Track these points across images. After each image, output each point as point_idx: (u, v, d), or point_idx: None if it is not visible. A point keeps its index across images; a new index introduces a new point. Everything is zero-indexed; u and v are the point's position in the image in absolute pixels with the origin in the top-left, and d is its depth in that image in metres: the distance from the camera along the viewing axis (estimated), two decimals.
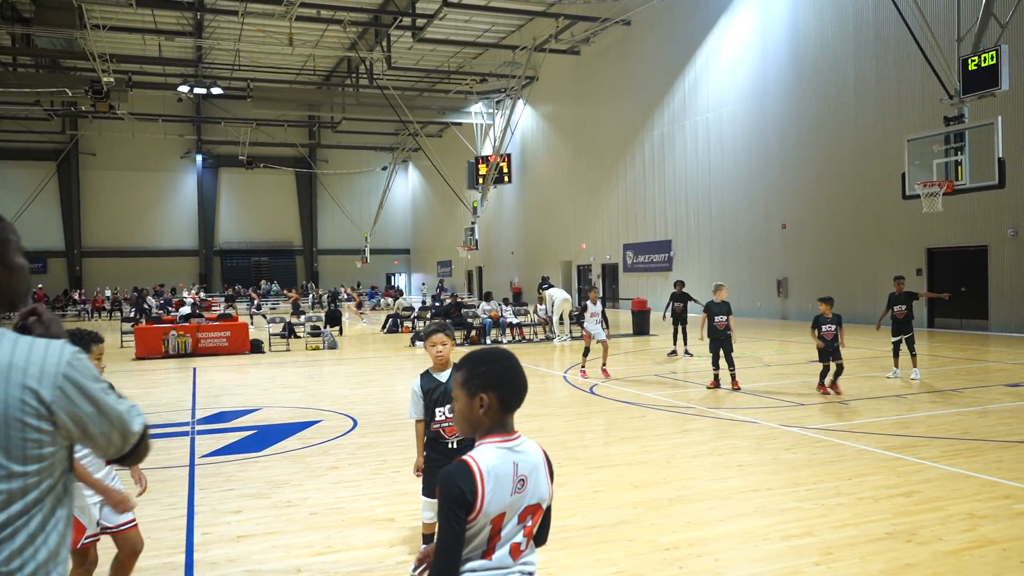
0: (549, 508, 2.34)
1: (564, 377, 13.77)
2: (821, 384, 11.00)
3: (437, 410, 4.60)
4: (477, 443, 2.24)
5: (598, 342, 13.53)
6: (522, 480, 2.19)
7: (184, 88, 40.32)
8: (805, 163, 24.54)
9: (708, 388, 11.77)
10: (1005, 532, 5.18)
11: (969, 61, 14.07)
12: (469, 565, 2.17)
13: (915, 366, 12.12)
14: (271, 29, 33.55)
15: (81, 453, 3.69)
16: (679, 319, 16.74)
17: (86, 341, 3.93)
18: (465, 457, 2.17)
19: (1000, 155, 13.76)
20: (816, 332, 10.89)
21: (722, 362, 11.68)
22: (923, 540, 5.08)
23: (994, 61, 13.62)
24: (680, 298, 16.93)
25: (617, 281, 35.26)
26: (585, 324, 13.66)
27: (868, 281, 22.46)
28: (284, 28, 31.32)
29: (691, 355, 16.21)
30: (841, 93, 23.13)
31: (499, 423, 2.23)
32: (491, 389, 2.21)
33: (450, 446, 4.58)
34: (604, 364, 13.62)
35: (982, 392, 10.94)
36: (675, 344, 16.82)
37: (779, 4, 25.30)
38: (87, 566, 4.08)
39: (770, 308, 26.09)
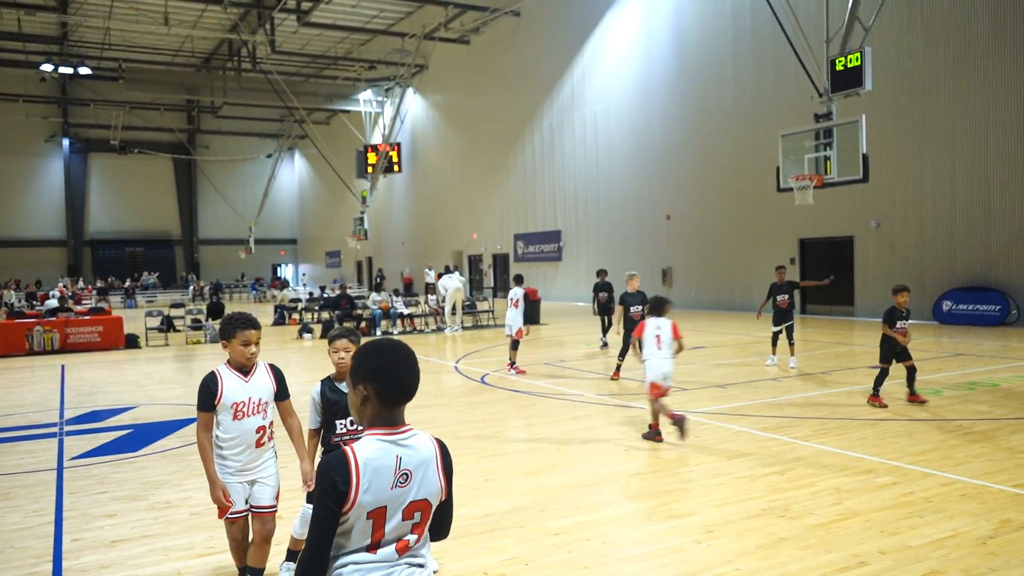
0: (450, 502, 2.31)
1: (455, 367, 13.77)
2: (875, 394, 9.10)
3: (338, 422, 4.28)
4: (361, 435, 2.20)
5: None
6: (405, 474, 2.16)
7: (48, 67, 37.62)
8: (688, 156, 25.41)
9: (612, 379, 11.71)
10: (868, 504, 5.54)
11: (836, 62, 14.88)
12: (352, 558, 2.14)
13: (792, 354, 12.45)
14: (144, 7, 31.86)
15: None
16: (604, 309, 15.96)
17: None
18: (345, 447, 2.14)
19: (864, 151, 14.64)
20: (890, 327, 9.22)
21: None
22: (795, 515, 5.36)
23: (859, 62, 14.47)
24: (603, 287, 16.13)
25: (508, 271, 35.52)
26: (511, 317, 12.77)
27: (746, 270, 23.53)
28: (159, 6, 29.79)
29: (607, 345, 15.55)
30: (721, 89, 24.06)
31: (382, 416, 2.20)
32: (370, 381, 2.18)
33: None
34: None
35: (848, 374, 11.66)
36: (604, 335, 16.05)
37: (663, 1, 26.03)
38: (238, 541, 4.28)
39: None
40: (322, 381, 4.40)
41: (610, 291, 15.91)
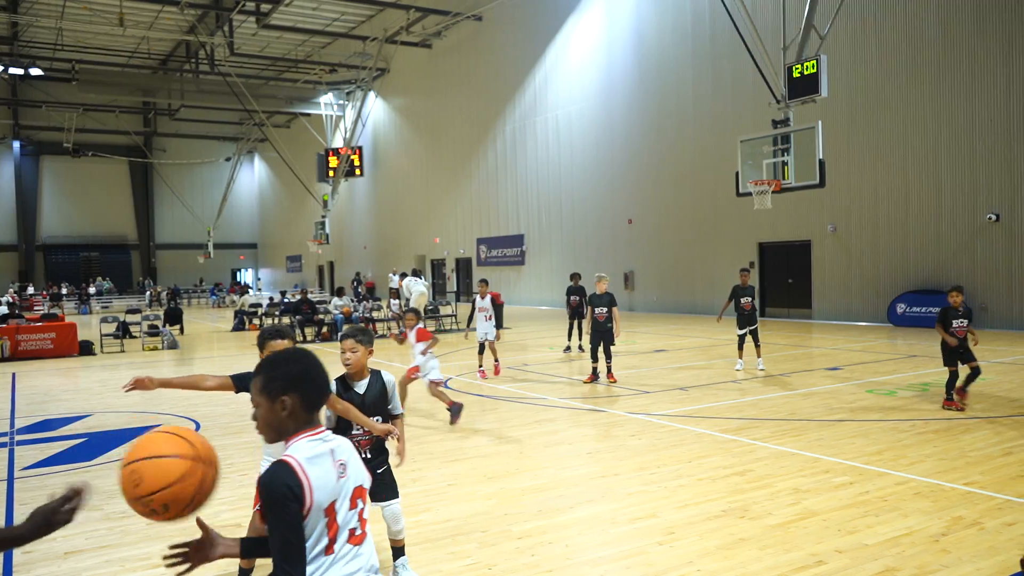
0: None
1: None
2: (949, 398, 8.88)
3: (355, 425, 4.34)
4: (287, 444, 2.20)
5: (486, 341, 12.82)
6: (342, 464, 2.23)
7: None
8: (649, 161, 25.65)
9: (585, 382, 11.67)
10: (825, 504, 5.64)
11: (793, 69, 15.15)
12: (312, 567, 2.13)
13: (759, 356, 12.48)
14: (98, 7, 31.26)
15: None
16: (576, 313, 15.74)
17: None
18: (282, 458, 2.15)
19: (820, 156, 14.91)
20: (945, 328, 9.01)
21: (601, 354, 11.64)
22: (755, 515, 5.43)
23: (815, 70, 14.74)
24: (576, 291, 15.83)
25: (471, 275, 35.49)
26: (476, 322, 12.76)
27: (706, 273, 23.81)
28: (113, 7, 29.25)
29: (583, 350, 15.30)
30: (681, 95, 24.34)
31: (304, 421, 2.22)
32: (293, 390, 2.19)
33: (362, 456, 4.41)
34: (496, 360, 13.02)
35: (806, 376, 11.85)
36: (569, 340, 15.99)
37: (624, 9, 26.27)
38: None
39: (618, 300, 27.03)
40: (335, 380, 4.37)
41: (582, 295, 15.73)
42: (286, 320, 21.46)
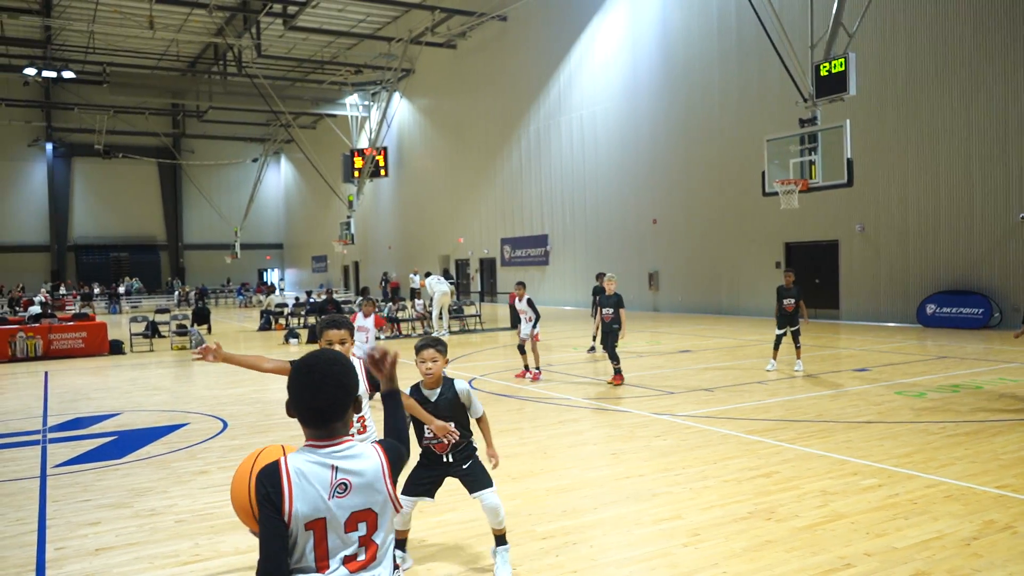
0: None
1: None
2: None
3: (426, 427, 4.46)
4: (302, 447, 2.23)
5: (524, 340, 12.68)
6: (343, 484, 2.14)
7: (31, 71, 37.39)
8: (674, 160, 25.52)
9: (615, 384, 11.39)
10: (853, 506, 5.57)
11: (821, 67, 14.99)
12: None
13: (799, 358, 12.29)
14: (129, 10, 31.71)
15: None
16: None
17: None
18: (280, 458, 2.18)
19: (849, 156, 14.75)
20: None
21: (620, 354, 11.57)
22: (781, 517, 5.38)
23: (843, 68, 14.58)
24: (602, 291, 15.96)
25: (495, 275, 35.53)
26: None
27: (732, 274, 23.64)
28: (143, 10, 29.66)
29: (594, 350, 15.32)
30: (707, 94, 24.18)
31: (311, 433, 2.21)
32: (289, 398, 2.23)
33: (444, 460, 4.55)
34: (537, 367, 12.61)
35: (833, 377, 11.72)
36: (594, 340, 15.61)
37: (650, 7, 26.16)
38: None
39: (642, 300, 27.00)
40: (411, 388, 4.54)
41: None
42: (311, 320, 21.62)
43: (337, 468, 2.15)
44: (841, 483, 6.15)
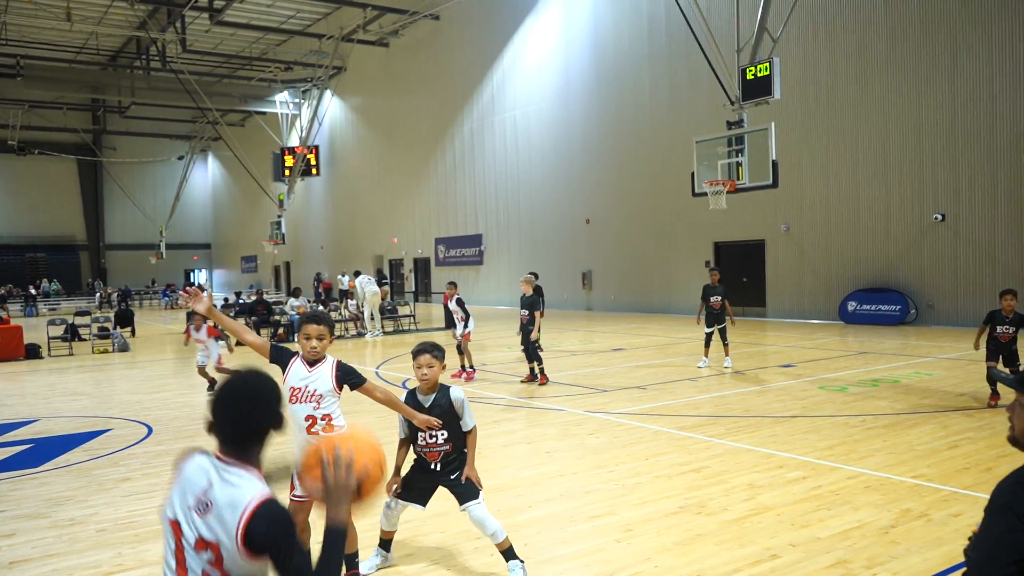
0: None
1: (377, 373, 13.61)
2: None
3: (419, 434, 4.46)
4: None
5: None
6: (205, 504, 2.08)
7: None
8: (606, 161, 25.82)
9: (522, 382, 11.76)
10: (779, 499, 5.73)
11: (747, 71, 15.38)
12: None
13: (727, 355, 12.65)
14: (44, 1, 30.41)
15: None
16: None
17: None
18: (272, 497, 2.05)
19: (774, 157, 15.18)
20: (986, 332, 8.91)
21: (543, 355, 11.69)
22: (711, 511, 5.50)
23: (768, 72, 14.99)
24: (535, 291, 15.69)
25: (429, 275, 35.37)
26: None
27: (663, 273, 24.06)
28: (60, 1, 28.49)
29: (542, 349, 15.42)
30: (638, 96, 24.55)
31: (221, 448, 2.14)
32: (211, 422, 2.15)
33: (432, 468, 4.50)
34: (469, 366, 12.74)
35: (760, 373, 12.04)
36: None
37: (582, 9, 26.41)
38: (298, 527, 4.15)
39: (576, 300, 27.24)
40: (407, 393, 4.58)
41: (541, 294, 15.70)
42: (242, 321, 21.12)
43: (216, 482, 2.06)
44: (768, 476, 6.32)
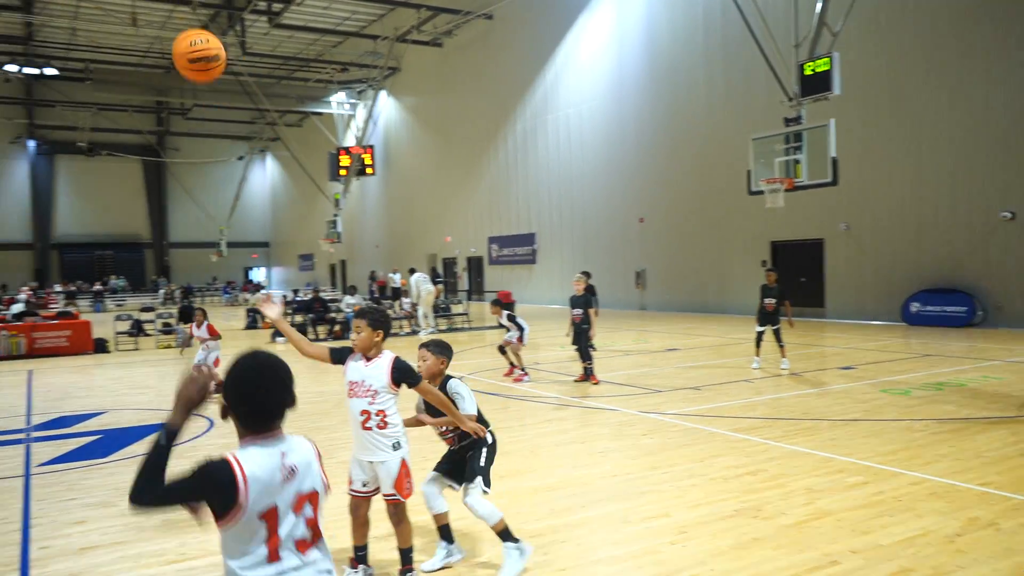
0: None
1: None
2: None
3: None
4: (240, 443, 2.27)
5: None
6: (291, 469, 2.25)
7: (12, 67, 36.96)
8: (660, 159, 25.59)
9: (575, 381, 11.71)
10: (839, 504, 5.61)
11: (805, 66, 15.07)
12: (253, 573, 2.17)
13: (783, 356, 12.32)
14: (112, 7, 31.42)
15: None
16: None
17: None
18: (224, 455, 2.18)
19: (833, 154, 14.84)
20: None
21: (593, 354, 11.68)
22: (768, 515, 5.41)
23: (828, 67, 14.66)
24: (587, 290, 15.69)
25: (482, 274, 35.52)
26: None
27: (718, 272, 23.73)
28: (126, 7, 29.40)
29: (594, 349, 15.36)
30: (692, 93, 24.26)
31: (255, 431, 2.27)
32: (235, 408, 2.29)
33: (451, 449, 4.83)
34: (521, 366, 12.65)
35: (819, 375, 11.79)
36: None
37: (635, 5, 26.21)
38: (358, 521, 4.49)
39: (629, 299, 27.07)
40: None
41: (593, 293, 15.67)
42: (299, 319, 21.53)
43: (284, 454, 2.25)
44: (827, 481, 6.19)
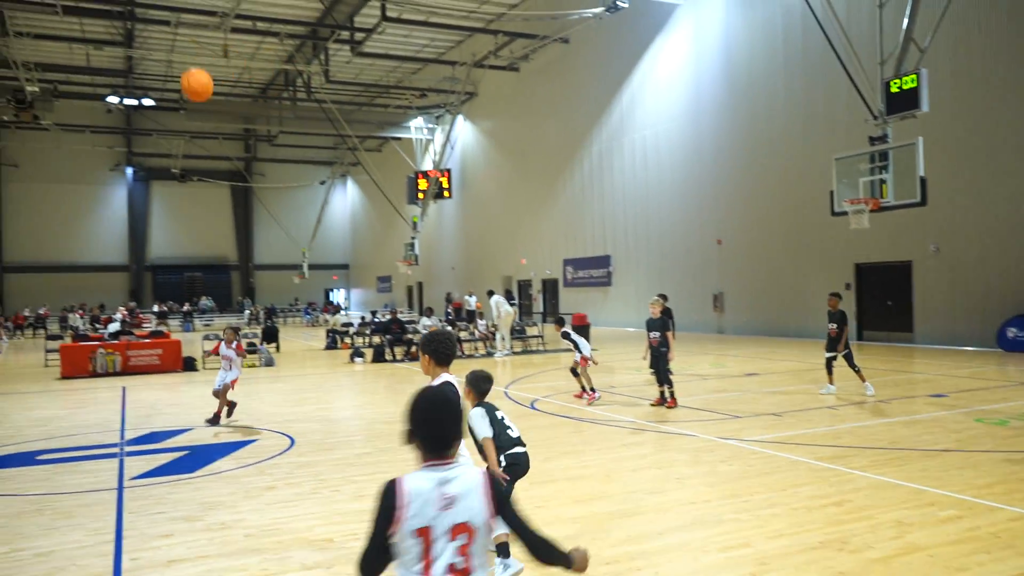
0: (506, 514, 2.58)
1: (505, 393, 13.75)
2: None
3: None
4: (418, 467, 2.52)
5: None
6: (449, 498, 2.43)
7: (114, 99, 39.13)
8: (739, 180, 25.17)
9: (651, 405, 11.58)
10: (931, 538, 5.35)
11: (891, 84, 14.65)
12: None
13: (863, 380, 11.93)
14: (205, 40, 32.93)
15: None
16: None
17: None
18: (396, 477, 2.45)
19: (922, 174, 14.34)
20: None
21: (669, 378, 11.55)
22: (854, 548, 5.21)
23: (915, 84, 14.22)
24: (664, 313, 15.65)
25: (557, 296, 35.50)
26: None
27: (799, 295, 23.10)
28: (219, 39, 30.77)
29: (671, 373, 15.19)
30: (772, 112, 23.83)
31: (428, 456, 2.51)
32: (415, 433, 2.53)
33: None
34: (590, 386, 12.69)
35: (908, 403, 11.32)
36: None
37: (712, 25, 25.99)
38: None
39: (707, 322, 26.60)
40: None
41: (670, 316, 15.56)
42: (376, 339, 21.92)
43: (447, 483, 2.46)
44: (917, 514, 5.92)
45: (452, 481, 2.45)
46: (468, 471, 2.51)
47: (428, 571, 2.38)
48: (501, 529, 4.70)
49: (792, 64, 23.08)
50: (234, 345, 11.44)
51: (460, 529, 2.41)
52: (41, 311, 42.30)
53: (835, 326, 12.09)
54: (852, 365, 12.01)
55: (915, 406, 10.97)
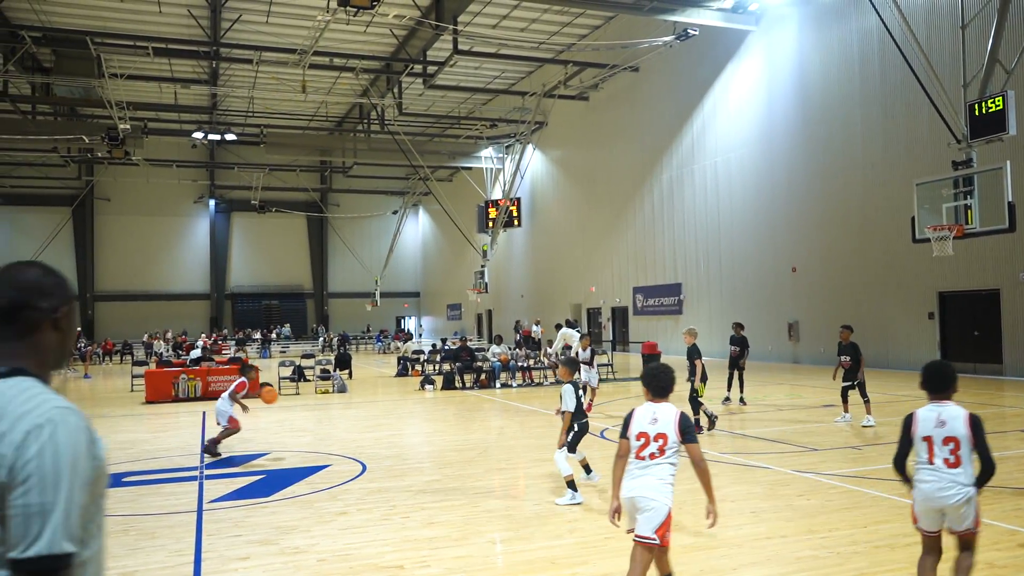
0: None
1: None
2: None
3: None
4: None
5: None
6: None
7: (199, 134, 40.94)
8: (814, 206, 24.62)
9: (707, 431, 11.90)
10: None
11: (976, 107, 14.17)
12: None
13: (868, 413, 12.12)
14: (285, 77, 34.16)
15: None
16: (734, 364, 15.33)
17: None
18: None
19: (1010, 199, 13.78)
20: None
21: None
22: None
23: (1001, 106, 13.73)
24: (737, 342, 15.39)
25: (627, 324, 35.20)
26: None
27: (879, 324, 22.34)
28: (298, 76, 31.88)
29: (745, 403, 15.10)
30: (848, 137, 23.29)
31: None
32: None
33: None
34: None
35: (998, 438, 10.79)
36: (729, 391, 15.49)
37: (785, 50, 25.65)
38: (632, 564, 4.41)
39: (781, 352, 25.94)
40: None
41: (744, 345, 15.45)
42: (446, 367, 22.10)
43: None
44: (1009, 555, 5.63)
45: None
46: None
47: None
48: (566, 469, 6.95)
49: (869, 87, 22.56)
50: (251, 385, 12.07)
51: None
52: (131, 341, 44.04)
53: (847, 358, 12.53)
54: (862, 393, 12.35)
55: (1006, 441, 10.46)
